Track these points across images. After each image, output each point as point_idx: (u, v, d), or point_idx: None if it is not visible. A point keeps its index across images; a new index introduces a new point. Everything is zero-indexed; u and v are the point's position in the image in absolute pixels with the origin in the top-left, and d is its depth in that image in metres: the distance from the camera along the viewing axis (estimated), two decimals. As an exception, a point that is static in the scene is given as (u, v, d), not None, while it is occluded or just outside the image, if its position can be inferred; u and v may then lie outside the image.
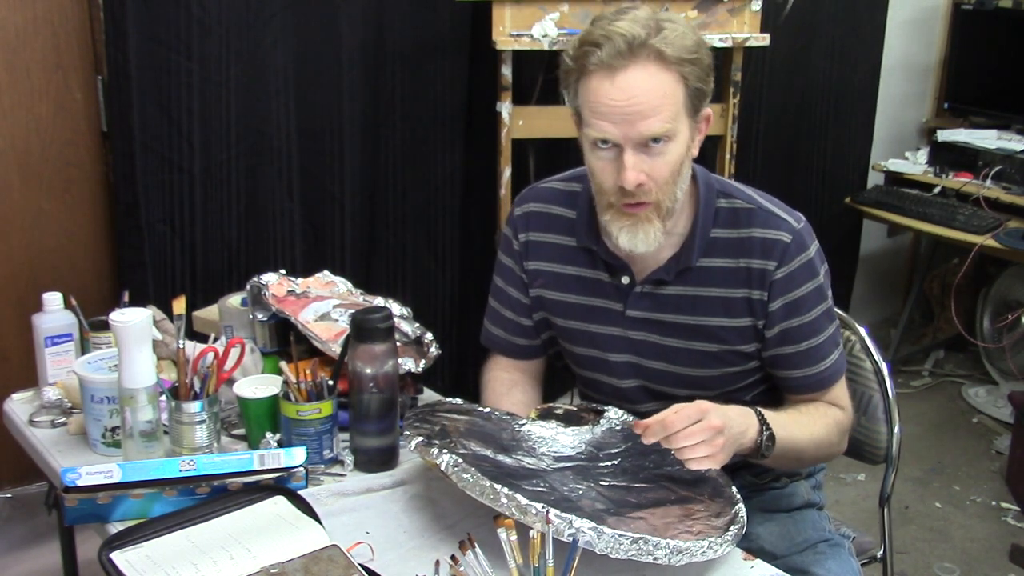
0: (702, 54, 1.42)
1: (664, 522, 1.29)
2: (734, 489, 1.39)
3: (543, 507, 1.21)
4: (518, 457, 1.42)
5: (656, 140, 1.40)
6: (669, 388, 1.61)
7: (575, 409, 1.59)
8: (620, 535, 1.20)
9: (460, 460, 1.30)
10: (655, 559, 1.21)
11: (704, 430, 1.32)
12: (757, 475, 1.70)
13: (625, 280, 1.57)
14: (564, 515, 1.20)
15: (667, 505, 1.34)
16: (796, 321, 1.54)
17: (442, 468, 1.31)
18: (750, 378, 1.61)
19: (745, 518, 1.34)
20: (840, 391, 1.61)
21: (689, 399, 1.60)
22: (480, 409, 1.57)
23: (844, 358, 1.61)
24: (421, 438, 1.37)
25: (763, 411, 1.46)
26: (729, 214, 1.53)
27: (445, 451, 1.32)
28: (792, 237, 1.51)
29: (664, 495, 1.37)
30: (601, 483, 1.39)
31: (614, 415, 1.57)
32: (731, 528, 1.30)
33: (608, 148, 1.42)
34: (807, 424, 1.53)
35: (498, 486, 1.25)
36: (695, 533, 1.27)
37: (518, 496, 1.23)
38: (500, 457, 1.39)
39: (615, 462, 1.47)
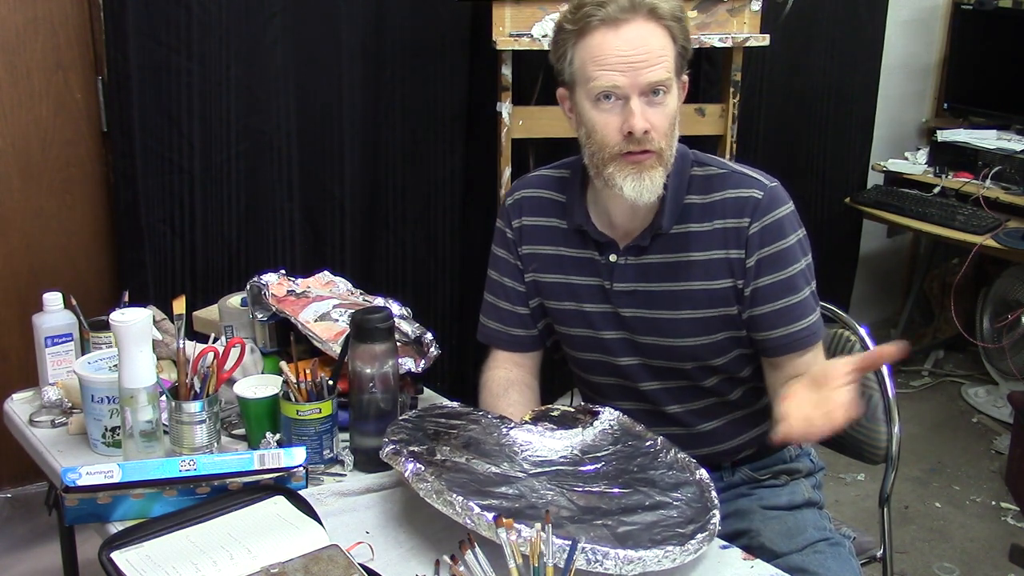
0: (685, 16, 1.52)
1: (628, 530, 1.28)
2: (714, 495, 1.38)
3: (494, 516, 1.21)
4: (495, 463, 1.41)
5: (657, 92, 1.47)
6: (666, 362, 1.63)
7: (571, 410, 1.58)
8: (574, 542, 1.19)
9: (422, 468, 1.31)
10: (604, 568, 1.20)
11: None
12: (756, 471, 1.71)
13: (613, 258, 1.61)
14: (517, 525, 1.19)
15: (639, 512, 1.33)
16: (770, 278, 1.55)
17: (405, 475, 1.32)
18: (744, 348, 1.62)
19: (717, 525, 1.32)
20: (821, 359, 1.59)
21: (688, 372, 1.62)
22: (473, 413, 1.57)
23: (821, 328, 1.60)
24: (393, 446, 1.38)
25: None
26: (703, 181, 1.59)
27: (411, 460, 1.33)
28: (764, 194, 1.56)
29: (638, 500, 1.35)
30: (575, 489, 1.38)
31: (609, 416, 1.56)
32: (696, 536, 1.28)
33: (612, 101, 1.48)
34: None
35: (452, 495, 1.25)
36: (658, 541, 1.26)
37: (471, 504, 1.24)
38: (474, 463, 1.39)
39: (598, 466, 1.45)
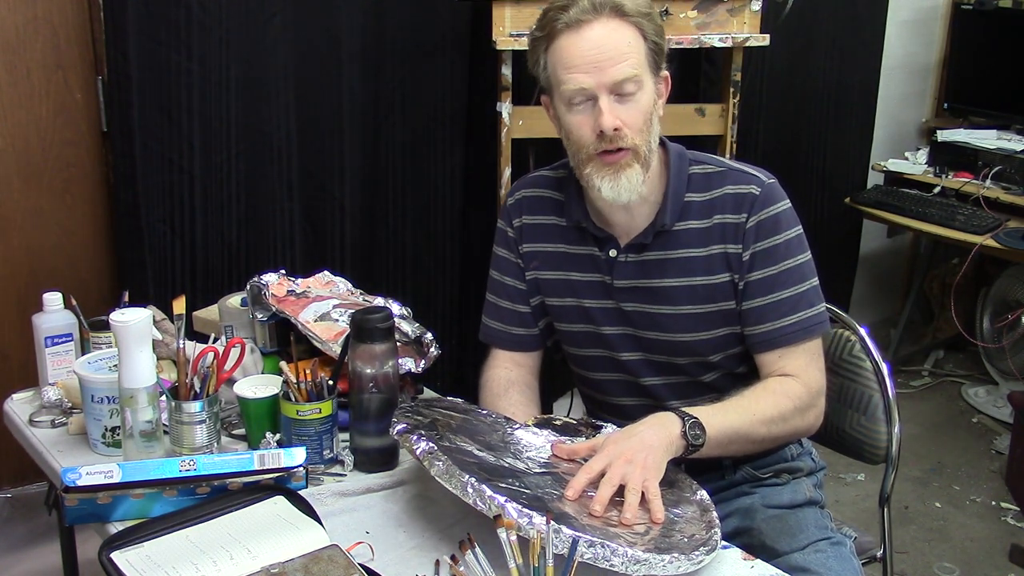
0: (654, 12, 1.54)
1: (632, 537, 1.27)
2: (715, 514, 1.38)
3: (505, 500, 1.21)
4: (502, 457, 1.41)
5: (626, 88, 1.49)
6: (668, 357, 1.64)
7: (573, 421, 1.58)
8: (578, 536, 1.19)
9: (435, 448, 1.31)
10: (611, 565, 1.19)
11: (613, 477, 1.34)
12: (757, 469, 1.70)
13: (612, 253, 1.63)
14: (525, 511, 1.19)
15: (641, 520, 1.32)
16: (761, 272, 1.57)
17: (417, 454, 1.32)
18: (742, 344, 1.62)
19: (719, 542, 1.32)
20: (801, 360, 1.58)
21: (688, 367, 1.63)
22: (478, 410, 1.57)
23: (817, 324, 1.59)
24: (404, 425, 1.38)
25: (682, 408, 1.47)
26: (702, 178, 1.61)
27: (424, 439, 1.33)
28: (761, 190, 1.58)
29: (640, 515, 1.34)
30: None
31: (611, 430, 1.55)
32: (700, 549, 1.27)
33: (583, 102, 1.51)
34: (745, 404, 1.53)
35: (465, 476, 1.25)
36: (663, 549, 1.25)
37: (484, 487, 1.23)
38: (483, 454, 1.39)
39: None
